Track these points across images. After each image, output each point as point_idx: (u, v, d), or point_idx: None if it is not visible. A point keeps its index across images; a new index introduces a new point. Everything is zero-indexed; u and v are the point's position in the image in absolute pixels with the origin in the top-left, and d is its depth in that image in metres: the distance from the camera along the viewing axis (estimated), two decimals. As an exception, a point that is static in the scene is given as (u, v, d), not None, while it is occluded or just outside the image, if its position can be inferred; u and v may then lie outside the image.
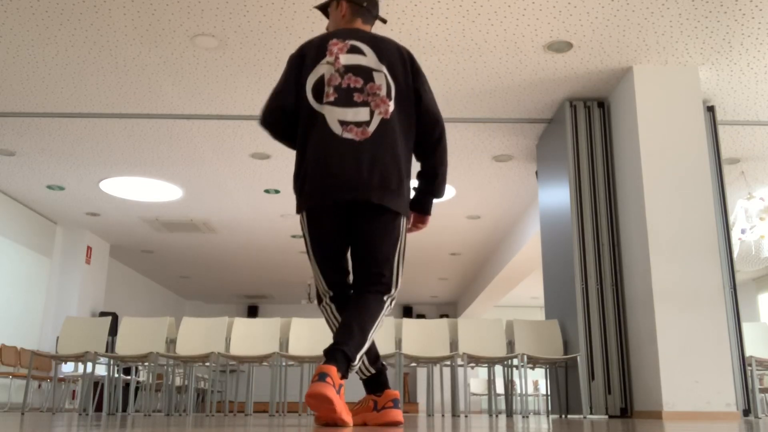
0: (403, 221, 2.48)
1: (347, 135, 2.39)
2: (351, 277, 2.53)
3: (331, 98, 2.43)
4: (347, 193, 2.35)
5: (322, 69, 2.48)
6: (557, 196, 5.88)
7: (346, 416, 2.21)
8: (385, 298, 2.45)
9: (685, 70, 5.23)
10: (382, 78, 2.47)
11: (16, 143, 6.84)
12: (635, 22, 4.69)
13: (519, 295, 14.81)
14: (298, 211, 2.47)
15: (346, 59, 2.48)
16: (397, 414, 2.45)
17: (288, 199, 8.51)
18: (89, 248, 10.17)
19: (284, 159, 7.17)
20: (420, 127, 2.52)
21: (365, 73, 2.46)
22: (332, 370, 2.15)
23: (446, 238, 10.32)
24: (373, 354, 2.53)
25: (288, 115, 2.50)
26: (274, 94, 2.51)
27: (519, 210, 8.89)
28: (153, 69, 5.38)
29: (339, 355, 2.22)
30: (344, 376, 2.22)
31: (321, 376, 2.12)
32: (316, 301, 2.54)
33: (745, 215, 6.47)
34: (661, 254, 4.86)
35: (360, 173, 2.35)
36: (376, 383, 2.52)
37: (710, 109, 5.56)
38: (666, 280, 4.81)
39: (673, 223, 4.92)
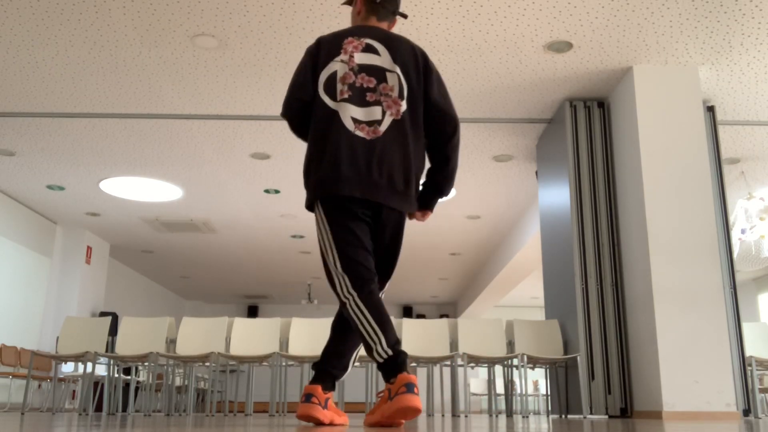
0: (404, 220, 2.54)
1: (359, 133, 2.41)
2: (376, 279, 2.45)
3: (345, 95, 2.45)
4: (356, 189, 2.37)
5: (336, 66, 2.49)
6: (557, 196, 5.88)
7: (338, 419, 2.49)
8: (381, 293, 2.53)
9: (685, 70, 5.23)
10: (395, 79, 2.48)
11: (16, 143, 6.84)
12: (635, 22, 4.69)
13: (519, 295, 14.81)
14: (312, 202, 2.47)
15: (360, 58, 2.49)
16: (411, 399, 2.19)
17: (288, 199, 8.51)
18: (89, 248, 10.17)
19: (284, 159, 7.17)
20: (431, 124, 2.53)
21: (378, 73, 2.48)
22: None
23: (446, 238, 10.31)
24: (390, 337, 2.33)
25: (308, 106, 2.52)
26: (294, 85, 2.53)
27: (519, 210, 8.89)
28: (153, 69, 5.38)
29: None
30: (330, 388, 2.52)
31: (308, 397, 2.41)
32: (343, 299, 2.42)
33: (745, 215, 6.46)
34: (661, 254, 4.86)
35: (369, 172, 2.38)
36: (387, 369, 2.30)
37: (710, 109, 5.56)
38: (666, 280, 4.81)
39: (673, 223, 4.92)
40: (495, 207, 8.75)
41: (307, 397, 2.38)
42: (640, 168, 5.06)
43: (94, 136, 6.64)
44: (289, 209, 8.94)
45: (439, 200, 2.65)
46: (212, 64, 5.29)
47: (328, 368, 2.49)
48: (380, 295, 2.49)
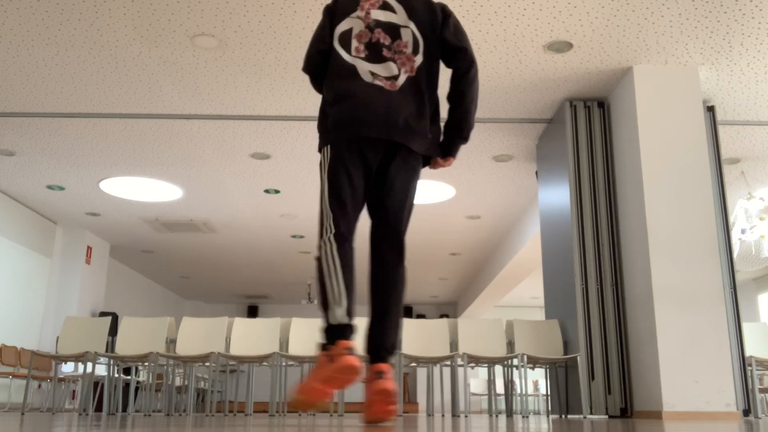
0: (420, 165, 2.55)
1: (378, 83, 2.47)
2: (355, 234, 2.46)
3: (362, 54, 2.50)
4: (372, 130, 2.40)
5: (351, 23, 2.55)
6: (557, 196, 5.88)
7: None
8: (405, 264, 2.50)
9: (685, 70, 5.23)
10: (409, 35, 2.53)
11: (16, 143, 6.84)
12: (635, 22, 4.69)
13: (519, 295, 14.80)
14: (322, 146, 2.49)
15: (376, 14, 2.55)
16: (351, 359, 2.23)
17: (288, 199, 8.51)
18: (89, 248, 10.17)
19: (284, 159, 7.17)
20: (446, 62, 2.59)
21: (393, 30, 2.54)
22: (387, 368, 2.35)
23: (446, 238, 10.31)
24: (351, 306, 2.36)
25: (327, 57, 2.58)
26: (314, 39, 2.61)
27: (519, 210, 8.89)
28: (153, 69, 5.38)
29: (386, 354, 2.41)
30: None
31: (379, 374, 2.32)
32: (318, 244, 2.43)
33: (745, 215, 6.46)
34: (661, 254, 4.86)
35: (388, 114, 2.42)
36: (334, 332, 2.33)
37: (710, 109, 5.56)
38: (666, 280, 4.81)
39: (673, 223, 4.92)
40: (495, 207, 8.75)
41: (379, 374, 2.32)
42: (640, 168, 5.06)
43: (94, 136, 6.64)
44: (289, 209, 8.94)
45: (462, 146, 2.70)
46: (212, 64, 5.29)
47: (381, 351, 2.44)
48: (401, 245, 2.47)
